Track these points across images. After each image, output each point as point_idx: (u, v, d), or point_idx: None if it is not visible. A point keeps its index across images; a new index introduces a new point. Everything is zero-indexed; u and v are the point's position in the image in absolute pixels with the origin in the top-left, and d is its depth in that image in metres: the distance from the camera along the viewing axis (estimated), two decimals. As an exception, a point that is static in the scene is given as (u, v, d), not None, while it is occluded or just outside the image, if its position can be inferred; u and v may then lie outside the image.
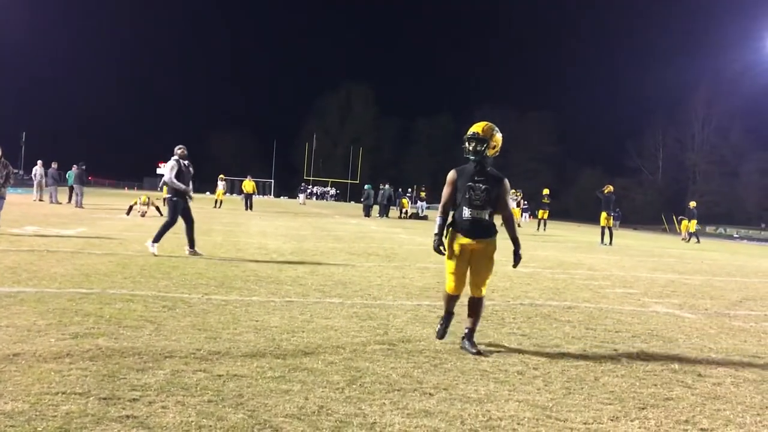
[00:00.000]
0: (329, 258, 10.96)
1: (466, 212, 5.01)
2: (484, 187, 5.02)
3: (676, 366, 4.94)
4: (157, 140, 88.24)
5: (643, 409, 3.84)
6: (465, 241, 5.02)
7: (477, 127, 5.16)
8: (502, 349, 5.10)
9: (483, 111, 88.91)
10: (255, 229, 17.47)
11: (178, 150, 10.46)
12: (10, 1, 65.66)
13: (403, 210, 34.89)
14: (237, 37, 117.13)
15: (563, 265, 12.78)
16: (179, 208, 10.19)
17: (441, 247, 5.06)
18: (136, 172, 78.41)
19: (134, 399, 3.32)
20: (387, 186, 32.80)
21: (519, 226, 31.49)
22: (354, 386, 3.83)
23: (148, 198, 21.04)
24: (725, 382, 4.56)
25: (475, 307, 5.12)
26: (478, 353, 4.84)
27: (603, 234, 21.11)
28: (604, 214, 20.86)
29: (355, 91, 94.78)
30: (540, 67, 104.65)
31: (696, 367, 4.95)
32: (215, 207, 29.54)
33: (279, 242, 13.46)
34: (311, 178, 77.34)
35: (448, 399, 3.73)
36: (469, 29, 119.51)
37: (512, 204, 27.84)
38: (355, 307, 6.52)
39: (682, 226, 30.70)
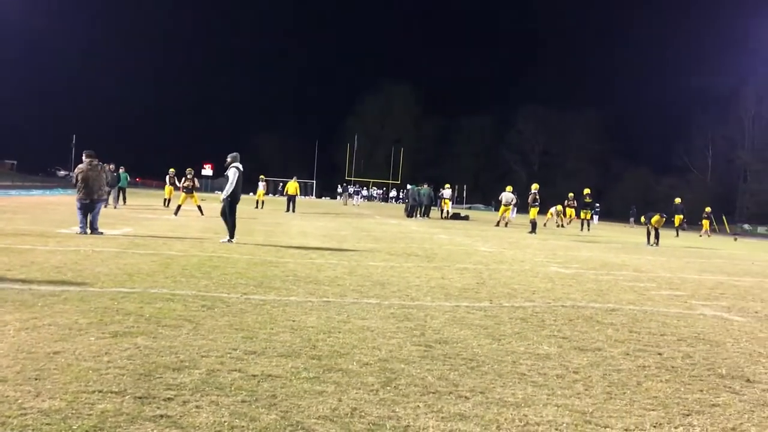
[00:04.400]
0: (368, 258, 10.95)
1: None
2: None
3: (724, 371, 4.76)
4: (204, 142, 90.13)
5: (687, 415, 3.70)
6: None
7: None
8: (541, 352, 4.98)
9: (525, 110, 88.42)
10: (295, 229, 17.59)
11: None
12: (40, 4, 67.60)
13: (444, 210, 34.69)
14: (277, 36, 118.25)
15: (607, 266, 12.50)
16: None
17: None
18: (182, 173, 79.94)
19: (169, 398, 3.34)
20: (426, 186, 32.64)
21: (563, 226, 31.09)
22: (388, 388, 3.78)
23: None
24: (777, 389, 4.37)
25: None
26: None
27: (649, 235, 20.62)
28: (657, 216, 20.36)
29: (396, 91, 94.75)
30: (583, 64, 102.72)
31: (744, 372, 4.76)
32: (257, 207, 29.86)
33: (318, 243, 13.52)
34: (353, 179, 77.49)
35: (485, 402, 3.66)
36: (508, 27, 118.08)
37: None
38: (393, 307, 6.48)
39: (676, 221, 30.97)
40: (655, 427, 3.46)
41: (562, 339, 5.52)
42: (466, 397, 3.73)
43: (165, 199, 27.02)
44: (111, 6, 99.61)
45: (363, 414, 3.31)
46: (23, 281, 6.59)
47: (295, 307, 6.16)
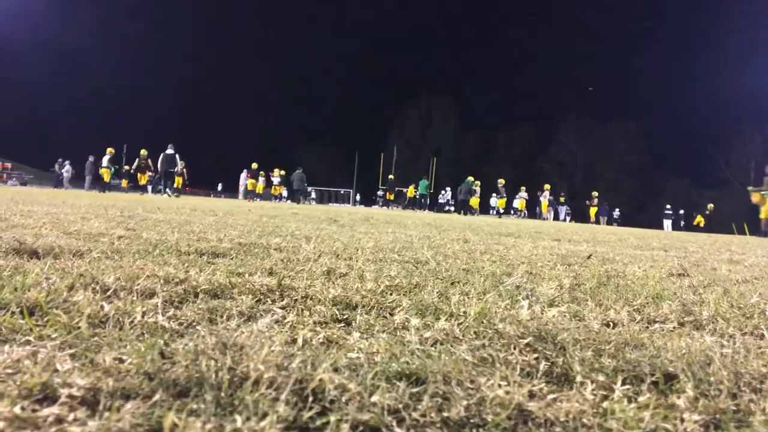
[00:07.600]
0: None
1: None
2: None
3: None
4: (247, 152, 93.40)
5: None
6: None
7: None
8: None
9: (567, 122, 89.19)
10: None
11: None
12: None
13: (472, 208, 37.56)
14: (318, 48, 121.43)
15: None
16: None
17: None
18: (233, 182, 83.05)
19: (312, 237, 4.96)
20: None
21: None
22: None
23: None
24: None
25: None
26: None
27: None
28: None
29: (436, 104, 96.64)
30: (622, 76, 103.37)
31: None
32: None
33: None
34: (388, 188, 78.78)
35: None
36: (547, 40, 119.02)
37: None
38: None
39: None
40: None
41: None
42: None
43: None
44: (162, 30, 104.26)
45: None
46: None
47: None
